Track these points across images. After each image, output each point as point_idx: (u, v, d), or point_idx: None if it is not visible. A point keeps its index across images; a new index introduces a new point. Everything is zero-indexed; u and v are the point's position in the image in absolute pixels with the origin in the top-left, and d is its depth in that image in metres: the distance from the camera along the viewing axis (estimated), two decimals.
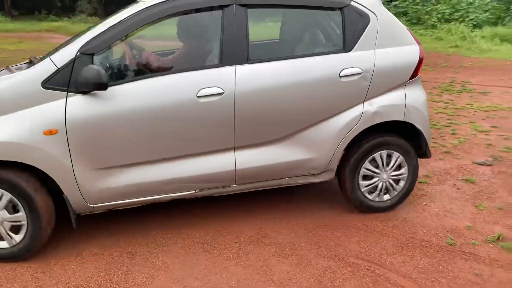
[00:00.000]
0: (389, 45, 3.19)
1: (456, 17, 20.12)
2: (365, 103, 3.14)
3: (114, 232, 3.15)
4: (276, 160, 3.10)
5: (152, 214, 3.38)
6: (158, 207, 3.32)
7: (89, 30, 2.81)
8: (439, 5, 21.89)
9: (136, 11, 2.80)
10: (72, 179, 2.72)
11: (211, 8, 2.96)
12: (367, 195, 3.34)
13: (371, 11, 3.17)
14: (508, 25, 18.24)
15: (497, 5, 20.11)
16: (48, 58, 2.69)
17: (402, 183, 3.38)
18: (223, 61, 2.88)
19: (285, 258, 2.85)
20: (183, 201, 3.22)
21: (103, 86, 2.60)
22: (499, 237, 3.05)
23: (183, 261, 2.82)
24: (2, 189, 2.63)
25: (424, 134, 3.31)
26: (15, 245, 2.76)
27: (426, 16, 21.09)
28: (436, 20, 20.33)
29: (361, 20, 3.14)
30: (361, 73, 3.08)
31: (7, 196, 2.65)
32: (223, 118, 2.89)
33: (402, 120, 3.24)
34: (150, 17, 2.82)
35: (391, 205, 3.42)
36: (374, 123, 3.18)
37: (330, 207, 3.51)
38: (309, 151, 3.15)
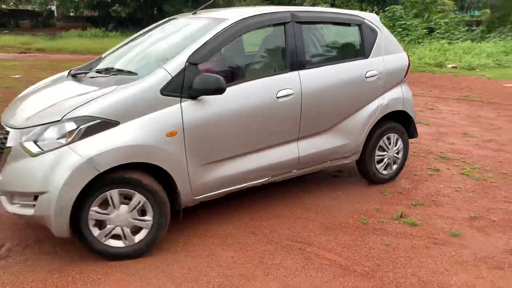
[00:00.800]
0: (390, 53, 4.22)
1: None
2: (379, 98, 4.10)
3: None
4: (324, 146, 3.84)
5: None
6: None
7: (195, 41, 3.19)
8: None
9: (226, 26, 3.29)
10: (186, 175, 3.07)
11: (275, 25, 3.63)
12: (379, 169, 4.28)
13: (377, 26, 4.20)
14: None
15: (385, 21, 22.32)
16: (162, 68, 3.00)
17: (400, 156, 4.42)
18: (291, 67, 3.56)
19: (228, 246, 3.18)
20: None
21: (222, 91, 3.02)
22: (401, 215, 3.69)
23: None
24: (137, 192, 2.86)
25: (413, 119, 4.40)
26: (129, 246, 2.95)
27: None
28: None
29: (372, 34, 4.14)
30: (377, 74, 4.05)
31: (139, 198, 2.88)
32: (293, 114, 3.55)
33: (401, 109, 4.28)
34: (239, 31, 3.38)
35: (392, 176, 4.43)
36: (385, 113, 4.14)
37: (262, 201, 3.92)
38: (345, 138, 3.96)
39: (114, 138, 2.77)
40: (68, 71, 3.75)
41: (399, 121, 4.35)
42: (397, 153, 4.38)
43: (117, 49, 3.97)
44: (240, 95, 3.24)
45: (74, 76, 3.52)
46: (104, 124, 2.78)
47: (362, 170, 4.29)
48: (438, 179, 4.55)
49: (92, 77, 3.42)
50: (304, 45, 3.67)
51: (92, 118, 2.76)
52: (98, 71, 3.49)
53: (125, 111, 2.84)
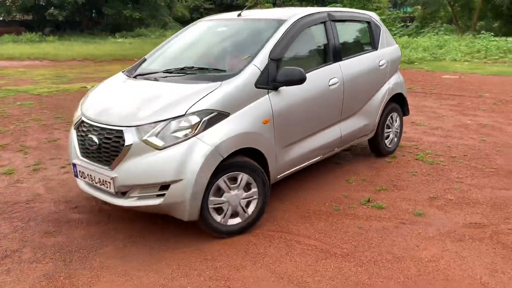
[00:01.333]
0: (389, 45, 5.11)
1: None
2: (386, 83, 4.90)
3: (42, 246, 3.19)
4: (355, 126, 4.52)
5: (72, 224, 3.49)
6: (79, 218, 3.44)
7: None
8: None
9: (289, 26, 3.77)
10: (274, 157, 3.53)
11: (319, 23, 4.19)
12: (387, 144, 5.09)
13: (379, 23, 5.06)
14: None
15: None
16: (252, 64, 3.41)
17: (399, 131, 5.33)
18: (333, 59, 4.18)
19: (212, 241, 3.27)
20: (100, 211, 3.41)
21: (303, 81, 3.46)
22: (368, 200, 3.95)
23: (121, 258, 3.05)
24: (244, 172, 3.25)
25: (406, 100, 5.30)
26: (245, 219, 3.35)
27: None
28: None
29: (378, 29, 4.98)
30: (385, 63, 4.86)
31: (246, 177, 3.26)
32: (338, 100, 4.18)
33: (400, 92, 5.12)
34: (299, 29, 3.87)
35: (395, 148, 5.26)
36: (391, 96, 4.94)
37: None
38: (368, 118, 4.68)
39: (228, 128, 3.16)
40: (124, 73, 4.09)
41: (397, 102, 5.18)
42: (398, 129, 5.27)
43: (159, 51, 4.34)
44: (305, 85, 3.59)
45: (135, 78, 3.86)
46: (219, 115, 3.14)
47: (375, 145, 5.05)
48: (396, 165, 4.88)
49: (166, 77, 3.67)
50: (339, 40, 4.30)
51: (210, 111, 3.11)
52: (168, 71, 3.76)
53: (232, 103, 3.23)
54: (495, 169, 4.68)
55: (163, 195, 3.01)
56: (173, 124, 3.01)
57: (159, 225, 3.52)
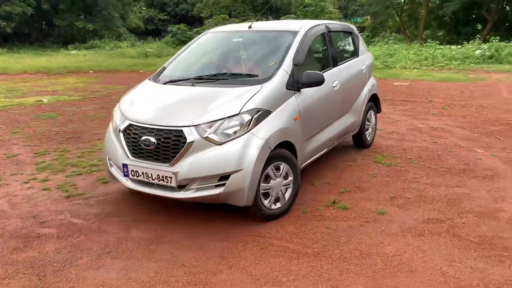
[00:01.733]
0: (365, 52, 5.96)
1: None
2: (366, 85, 5.69)
3: (12, 262, 3.14)
4: (348, 122, 5.19)
5: (42, 239, 3.46)
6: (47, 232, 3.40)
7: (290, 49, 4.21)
8: None
9: (303, 36, 4.38)
10: (301, 149, 4.08)
11: (321, 34, 4.85)
12: (367, 137, 5.88)
13: (357, 33, 5.89)
14: None
15: None
16: (281, 69, 3.97)
17: (375, 126, 6.16)
18: (333, 64, 4.89)
19: (187, 248, 3.34)
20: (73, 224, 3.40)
21: (322, 83, 4.10)
22: (334, 201, 4.14)
23: (98, 269, 3.06)
24: (284, 162, 3.77)
25: (379, 99, 6.13)
26: (283, 205, 3.85)
27: None
28: None
29: (357, 38, 5.80)
30: (366, 68, 5.66)
31: (286, 167, 3.79)
32: (338, 100, 4.86)
33: (375, 93, 5.91)
34: (310, 39, 4.49)
35: (372, 141, 6.07)
36: (370, 95, 5.72)
37: (212, 204, 4.12)
38: (356, 115, 5.37)
39: (272, 124, 3.66)
40: (151, 80, 4.47)
41: (373, 101, 5.94)
42: (374, 125, 6.07)
43: (176, 60, 4.77)
44: (318, 87, 4.19)
45: (165, 84, 4.27)
46: (264, 113, 3.64)
47: (360, 139, 5.79)
48: (357, 168, 5.13)
49: (202, 81, 4.14)
50: (334, 48, 5.07)
51: (258, 109, 3.60)
52: (199, 77, 4.24)
53: (272, 103, 3.74)
54: (447, 169, 5.02)
55: (223, 185, 3.40)
56: (229, 122, 3.46)
57: (134, 235, 3.54)
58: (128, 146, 3.70)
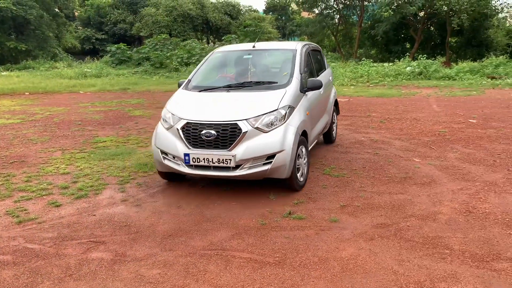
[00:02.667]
0: (328, 66, 7.47)
1: (193, 61, 22.94)
2: (332, 92, 7.21)
3: None
4: (325, 121, 6.56)
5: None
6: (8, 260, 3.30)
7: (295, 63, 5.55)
8: (176, 51, 24.50)
9: (301, 53, 5.75)
10: (310, 137, 5.48)
11: (306, 51, 6.06)
12: (333, 135, 7.33)
13: (321, 51, 7.26)
14: None
15: None
16: (294, 77, 5.24)
17: (336, 126, 7.58)
18: (316, 74, 6.31)
19: (151, 266, 3.38)
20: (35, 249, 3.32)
21: (321, 87, 5.58)
22: (289, 212, 4.34)
23: None
24: (304, 146, 5.09)
25: (338, 104, 7.67)
26: (304, 179, 5.16)
27: (168, 61, 23.32)
28: (177, 64, 22.71)
29: (323, 55, 7.30)
30: (331, 78, 7.34)
31: (305, 150, 5.11)
32: (322, 101, 6.32)
33: (336, 98, 7.44)
34: (304, 55, 5.83)
35: (335, 138, 7.49)
36: (334, 100, 7.27)
37: (169, 221, 4.17)
38: (329, 115, 6.81)
39: (297, 117, 4.93)
40: (184, 88, 5.57)
41: (335, 105, 7.34)
42: (336, 124, 7.47)
43: (196, 74, 5.83)
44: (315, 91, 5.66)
45: (200, 91, 5.36)
46: (291, 109, 4.87)
47: (329, 136, 7.16)
48: (308, 180, 5.37)
49: (232, 88, 5.31)
50: (315, 62, 6.45)
51: (288, 106, 4.82)
52: (228, 86, 5.41)
53: (294, 102, 4.98)
54: (390, 177, 5.41)
55: (269, 163, 4.52)
56: (271, 116, 4.63)
57: (95, 256, 3.52)
58: (187, 139, 4.64)
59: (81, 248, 3.69)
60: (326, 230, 3.97)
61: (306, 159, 5.16)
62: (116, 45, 26.80)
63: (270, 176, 4.59)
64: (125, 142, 7.67)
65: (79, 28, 40.10)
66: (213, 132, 4.51)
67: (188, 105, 5.08)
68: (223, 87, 5.37)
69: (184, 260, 3.45)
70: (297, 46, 5.86)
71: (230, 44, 24.39)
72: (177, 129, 4.71)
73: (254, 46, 6.07)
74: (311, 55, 6.29)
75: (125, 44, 27.23)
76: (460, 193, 4.78)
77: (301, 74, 5.33)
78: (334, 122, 7.26)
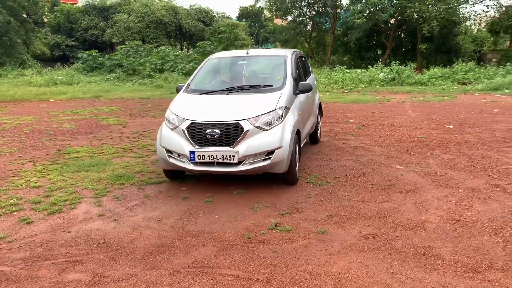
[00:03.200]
0: (312, 72, 7.98)
1: (167, 67, 22.63)
2: (317, 95, 7.87)
3: None
4: (312, 122, 7.05)
5: None
6: None
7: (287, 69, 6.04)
8: (150, 57, 24.13)
9: (292, 59, 6.28)
10: (302, 136, 5.90)
11: (296, 58, 6.66)
12: (318, 135, 7.83)
13: (305, 57, 7.72)
14: None
15: (197, 56, 23.66)
16: (288, 81, 5.72)
17: (320, 127, 8.12)
18: (304, 78, 6.81)
19: (134, 286, 3.17)
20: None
21: (311, 90, 6.10)
22: (276, 224, 4.20)
23: None
24: (298, 143, 5.54)
25: (321, 106, 8.31)
26: (298, 173, 5.56)
27: (141, 67, 22.92)
28: (150, 70, 22.35)
29: (306, 62, 7.74)
30: (316, 82, 7.80)
31: (297, 146, 5.44)
32: (310, 103, 6.84)
33: (320, 102, 8.02)
34: (294, 61, 6.35)
35: (320, 138, 8.01)
36: (319, 103, 7.92)
37: (149, 237, 3.96)
38: (314, 117, 7.29)
39: (292, 116, 5.38)
40: (185, 92, 5.99)
41: (319, 108, 7.91)
42: (320, 126, 7.97)
43: (195, 79, 6.25)
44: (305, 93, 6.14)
45: (200, 94, 5.82)
46: (287, 109, 5.32)
47: (313, 137, 7.56)
48: (292, 190, 5.26)
49: (231, 91, 5.78)
50: (302, 67, 6.91)
51: (285, 106, 5.27)
52: (227, 89, 5.86)
53: (289, 103, 5.42)
54: (374, 185, 5.35)
55: (269, 158, 4.95)
56: (270, 115, 5.06)
57: (71, 278, 3.28)
58: (193, 138, 5.01)
59: (56, 269, 3.45)
60: (315, 242, 3.84)
61: (298, 155, 5.60)
62: (87, 52, 26.17)
63: (270, 170, 5.03)
64: (99, 153, 7.38)
65: (49, 35, 38.97)
66: (217, 131, 4.90)
67: (191, 107, 5.49)
68: (222, 90, 5.83)
69: (168, 280, 3.26)
70: (287, 53, 6.42)
71: (205, 49, 24.23)
72: (182, 129, 5.07)
73: (247, 53, 6.62)
74: (300, 61, 6.83)
75: (97, 51, 26.61)
76: (445, 201, 4.76)
77: (293, 78, 5.82)
78: (319, 123, 7.87)
